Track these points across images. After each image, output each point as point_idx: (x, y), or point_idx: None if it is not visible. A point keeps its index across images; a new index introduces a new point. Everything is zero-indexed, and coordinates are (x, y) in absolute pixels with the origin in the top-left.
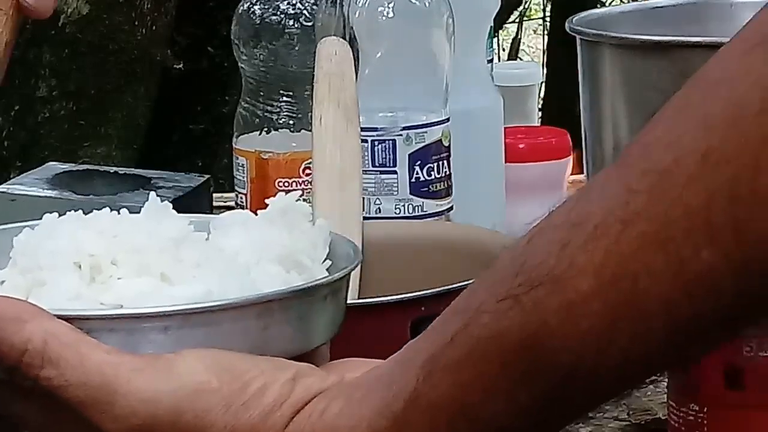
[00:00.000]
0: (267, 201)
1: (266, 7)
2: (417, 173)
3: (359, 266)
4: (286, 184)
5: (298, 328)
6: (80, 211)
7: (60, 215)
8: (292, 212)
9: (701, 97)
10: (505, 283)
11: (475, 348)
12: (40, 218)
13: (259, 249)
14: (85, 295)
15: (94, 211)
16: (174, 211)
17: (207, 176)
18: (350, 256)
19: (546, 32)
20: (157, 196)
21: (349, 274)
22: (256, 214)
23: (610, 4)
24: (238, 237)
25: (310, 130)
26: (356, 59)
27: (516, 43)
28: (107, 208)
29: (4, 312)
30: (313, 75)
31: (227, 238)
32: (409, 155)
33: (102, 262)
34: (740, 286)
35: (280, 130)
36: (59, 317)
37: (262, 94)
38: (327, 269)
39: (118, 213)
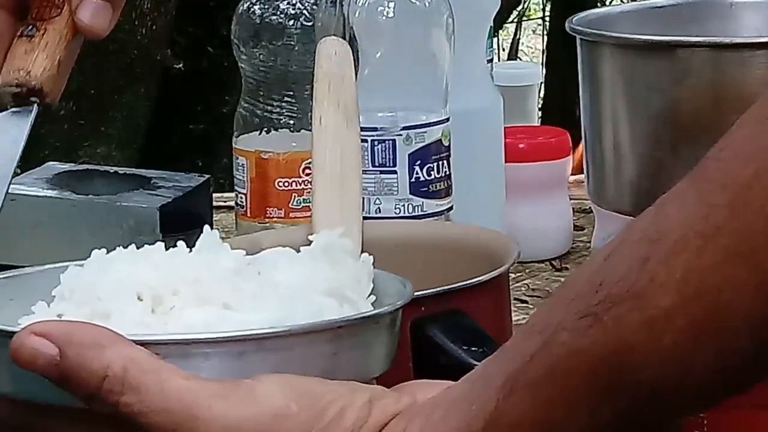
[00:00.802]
0: (310, 238)
1: (266, 7)
2: (417, 173)
3: None
4: (286, 184)
5: (364, 356)
6: (132, 246)
7: (108, 251)
8: (335, 249)
9: None
10: (584, 301)
11: (556, 366)
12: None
13: (309, 283)
14: (152, 324)
15: (146, 246)
16: (227, 245)
17: (207, 176)
18: (398, 291)
19: (545, 32)
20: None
21: (403, 306)
22: (298, 251)
23: (610, 3)
24: (286, 271)
25: (310, 130)
26: (356, 59)
27: (515, 43)
28: (160, 243)
29: (83, 338)
30: (313, 75)
31: (276, 271)
32: (409, 155)
33: (163, 293)
34: None
35: (280, 129)
36: (137, 342)
37: (262, 94)
38: (372, 304)
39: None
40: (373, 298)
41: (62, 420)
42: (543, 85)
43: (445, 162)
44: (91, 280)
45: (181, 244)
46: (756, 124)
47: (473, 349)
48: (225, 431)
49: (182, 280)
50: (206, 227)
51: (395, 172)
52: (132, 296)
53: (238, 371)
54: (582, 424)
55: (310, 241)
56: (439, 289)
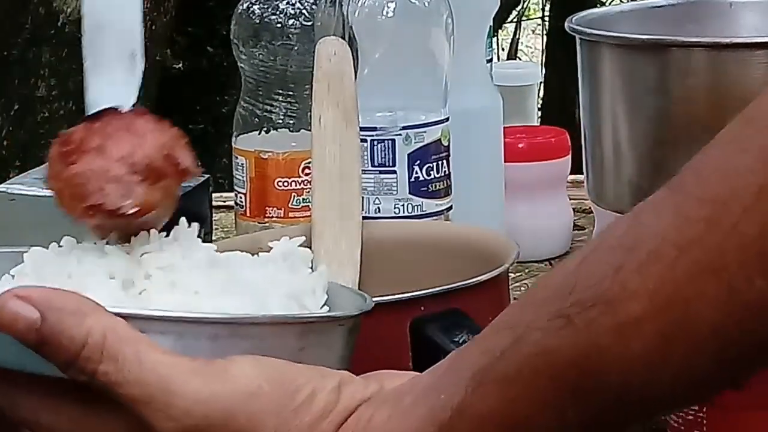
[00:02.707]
0: (270, 244)
1: (266, 6)
2: (416, 173)
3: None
4: (286, 183)
5: (327, 355)
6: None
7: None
8: (293, 257)
9: (756, 131)
10: (557, 302)
11: (525, 364)
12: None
13: (272, 283)
14: (125, 302)
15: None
16: (198, 239)
17: (207, 176)
18: (358, 304)
19: (545, 32)
20: None
21: (362, 314)
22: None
23: (609, 3)
24: (251, 271)
25: (310, 130)
26: (355, 59)
27: (515, 42)
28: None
29: (65, 304)
30: (313, 75)
31: (242, 269)
32: (409, 155)
33: (134, 276)
34: None
35: (279, 129)
36: (118, 315)
37: (261, 93)
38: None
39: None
40: (326, 309)
41: (32, 389)
42: (542, 84)
43: (444, 162)
44: (61, 258)
45: (153, 232)
46: (733, 142)
47: None
48: (198, 405)
49: (155, 266)
50: (182, 219)
51: (395, 172)
52: (104, 276)
53: (210, 353)
54: (547, 422)
55: (270, 247)
56: (438, 289)
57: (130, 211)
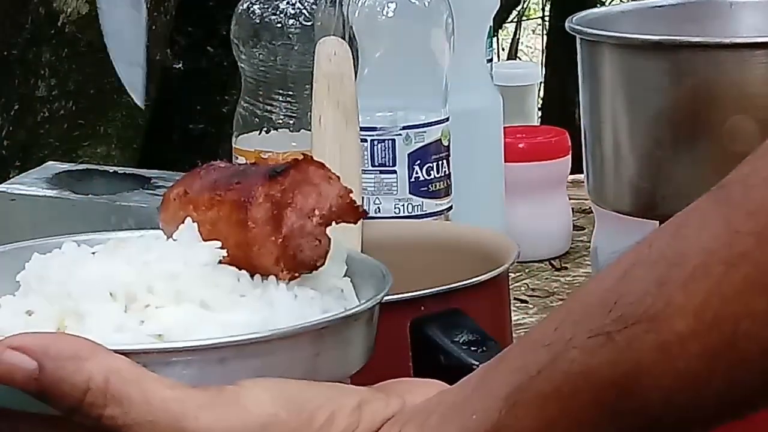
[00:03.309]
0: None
1: (266, 6)
2: (416, 173)
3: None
4: None
5: (345, 354)
6: (107, 236)
7: (77, 240)
8: None
9: None
10: (597, 319)
11: (564, 383)
12: (40, 235)
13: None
14: (128, 325)
15: (120, 235)
16: (199, 235)
17: None
18: (379, 277)
19: (545, 32)
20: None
21: (383, 297)
22: None
23: (609, 3)
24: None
25: (310, 130)
26: (356, 59)
27: (515, 42)
28: (136, 234)
29: (62, 350)
30: (313, 75)
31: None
32: (409, 155)
33: (137, 290)
34: None
35: (279, 129)
36: (117, 352)
37: (261, 93)
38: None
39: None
40: (348, 280)
41: (42, 426)
42: (542, 84)
43: (444, 162)
44: (61, 274)
45: (158, 233)
46: None
47: (473, 349)
48: None
49: (158, 277)
50: (188, 219)
51: (395, 172)
52: (104, 295)
53: (220, 377)
54: None
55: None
56: (438, 288)
57: (319, 263)
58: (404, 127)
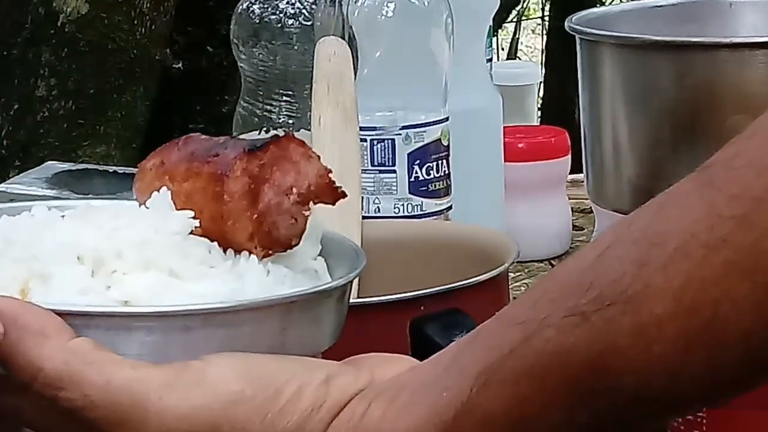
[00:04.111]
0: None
1: (265, 6)
2: (416, 172)
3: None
4: None
5: (314, 331)
6: (80, 202)
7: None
8: None
9: None
10: (573, 298)
11: (537, 362)
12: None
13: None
14: (94, 289)
15: (92, 203)
16: (172, 204)
17: None
18: (353, 258)
19: (545, 31)
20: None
21: (356, 277)
22: None
23: (609, 3)
24: None
25: (310, 130)
26: (355, 59)
27: (515, 42)
28: (109, 201)
29: (29, 323)
30: (312, 74)
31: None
32: (408, 154)
33: (105, 255)
34: None
35: (279, 129)
36: (78, 314)
37: (261, 93)
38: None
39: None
40: (321, 260)
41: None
42: (542, 84)
43: (444, 161)
44: (29, 235)
45: (131, 202)
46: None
47: None
48: (177, 422)
49: (127, 243)
50: (163, 188)
51: (394, 172)
52: (72, 258)
53: (184, 346)
54: (556, 422)
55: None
56: (438, 288)
57: (294, 243)
58: (404, 127)
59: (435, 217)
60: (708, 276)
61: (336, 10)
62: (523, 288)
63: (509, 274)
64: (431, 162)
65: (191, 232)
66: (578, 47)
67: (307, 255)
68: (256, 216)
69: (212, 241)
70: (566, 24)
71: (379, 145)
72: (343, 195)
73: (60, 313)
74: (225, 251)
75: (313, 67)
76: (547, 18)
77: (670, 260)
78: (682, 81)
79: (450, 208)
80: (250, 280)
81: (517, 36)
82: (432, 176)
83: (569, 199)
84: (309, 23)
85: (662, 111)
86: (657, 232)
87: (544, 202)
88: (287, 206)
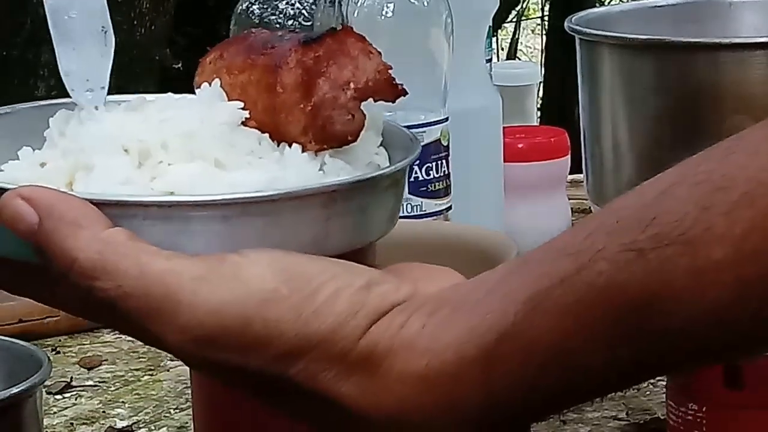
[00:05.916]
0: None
1: (265, 6)
2: (416, 173)
3: None
4: None
5: (360, 221)
6: (129, 96)
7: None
8: None
9: None
10: (630, 234)
11: (586, 296)
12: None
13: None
14: (137, 180)
15: (143, 96)
16: (223, 94)
17: None
18: (409, 146)
19: (544, 32)
20: None
21: (409, 165)
22: None
23: (609, 3)
24: None
25: None
26: None
27: (514, 42)
28: (158, 95)
29: (64, 213)
30: None
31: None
32: None
33: (151, 146)
34: None
35: None
36: (114, 203)
37: None
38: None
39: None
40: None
41: (39, 278)
42: (542, 84)
43: (444, 161)
44: (77, 129)
45: (181, 96)
46: None
47: None
48: (209, 316)
49: (173, 134)
50: (215, 80)
51: None
52: (117, 149)
53: (223, 235)
54: (597, 359)
55: None
56: None
57: (351, 138)
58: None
59: (435, 217)
60: None
61: (336, 11)
62: None
63: None
64: (431, 162)
65: (244, 125)
66: (578, 47)
67: (370, 149)
68: (309, 108)
69: (266, 134)
70: (566, 24)
71: None
72: (404, 92)
73: (96, 203)
74: (279, 145)
75: None
76: (546, 18)
77: (734, 206)
78: (682, 81)
79: (450, 208)
80: (294, 169)
81: (516, 36)
82: (432, 176)
83: (569, 199)
84: (309, 24)
85: (662, 111)
86: (723, 177)
87: (543, 202)
88: (343, 101)
